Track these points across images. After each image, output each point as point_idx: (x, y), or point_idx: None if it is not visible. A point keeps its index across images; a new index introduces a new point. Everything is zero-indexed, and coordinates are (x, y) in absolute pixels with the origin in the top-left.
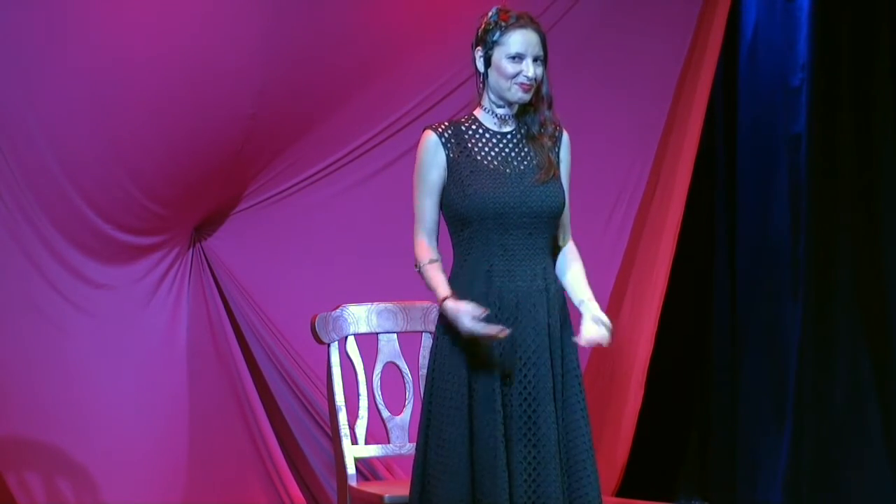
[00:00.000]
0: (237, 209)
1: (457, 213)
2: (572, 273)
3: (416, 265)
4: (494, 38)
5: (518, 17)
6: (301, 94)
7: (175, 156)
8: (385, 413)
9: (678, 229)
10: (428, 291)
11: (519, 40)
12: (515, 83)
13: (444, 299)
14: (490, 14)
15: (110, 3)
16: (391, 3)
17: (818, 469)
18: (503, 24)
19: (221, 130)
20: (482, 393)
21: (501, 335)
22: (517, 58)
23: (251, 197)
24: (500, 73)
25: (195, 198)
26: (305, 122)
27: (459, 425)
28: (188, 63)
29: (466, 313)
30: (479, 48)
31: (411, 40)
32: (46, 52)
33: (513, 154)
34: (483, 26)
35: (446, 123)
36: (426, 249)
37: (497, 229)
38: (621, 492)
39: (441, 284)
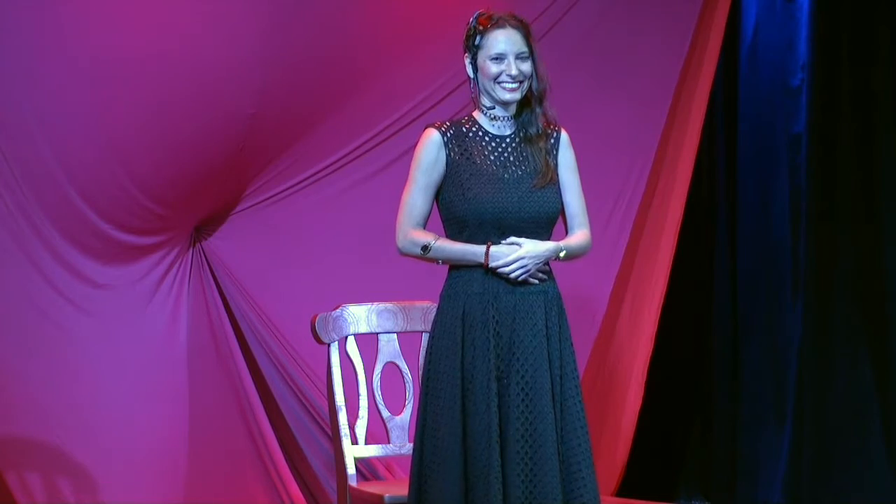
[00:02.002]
0: (237, 209)
1: (455, 216)
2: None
3: (423, 247)
4: (476, 42)
5: (497, 19)
6: (301, 94)
7: (175, 155)
8: (385, 413)
9: (678, 229)
10: (427, 291)
11: (499, 40)
12: (500, 83)
13: (488, 246)
14: (471, 20)
15: (110, 2)
16: (391, 4)
17: (818, 469)
18: (481, 27)
19: (221, 130)
20: (478, 393)
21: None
22: (499, 58)
23: (251, 197)
24: (485, 75)
25: (195, 198)
26: (305, 122)
27: (453, 425)
28: (188, 63)
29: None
30: (467, 54)
31: (411, 40)
32: (46, 52)
33: (511, 158)
34: (466, 33)
35: (448, 123)
36: (425, 233)
37: (495, 233)
38: (621, 492)
39: (467, 244)
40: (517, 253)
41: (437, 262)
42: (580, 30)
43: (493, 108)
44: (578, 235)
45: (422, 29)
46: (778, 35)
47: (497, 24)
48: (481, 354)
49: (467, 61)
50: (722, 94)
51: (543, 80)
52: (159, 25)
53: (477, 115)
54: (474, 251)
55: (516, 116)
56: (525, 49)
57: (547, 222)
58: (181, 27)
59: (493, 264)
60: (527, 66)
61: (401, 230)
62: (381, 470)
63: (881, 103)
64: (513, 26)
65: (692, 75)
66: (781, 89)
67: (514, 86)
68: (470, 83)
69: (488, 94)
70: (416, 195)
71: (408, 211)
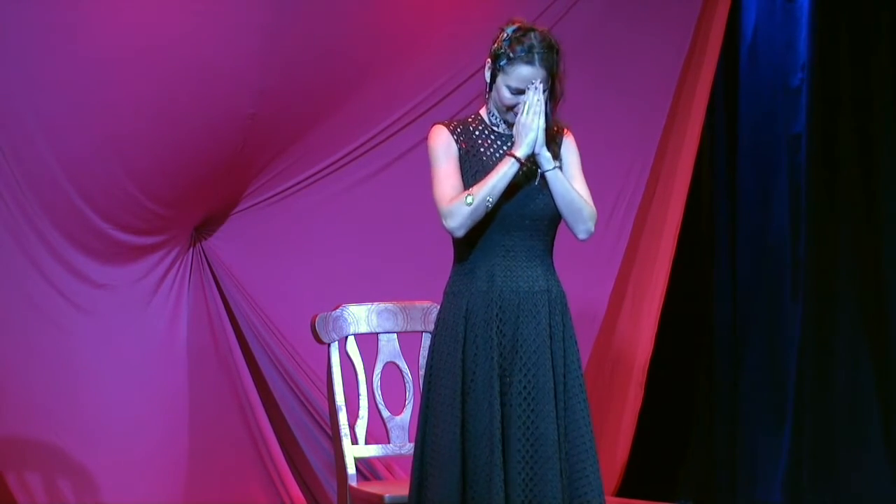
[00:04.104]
0: (237, 209)
1: None
2: None
3: (467, 203)
4: (501, 63)
5: (528, 50)
6: (301, 94)
7: (175, 155)
8: (385, 413)
9: (678, 229)
10: (428, 291)
11: (521, 76)
12: (512, 112)
13: (509, 154)
14: (504, 35)
15: (110, 3)
16: (391, 4)
17: (818, 469)
18: (511, 54)
19: (221, 130)
20: (479, 392)
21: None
22: (516, 91)
23: (251, 197)
24: (499, 98)
25: (195, 198)
26: (305, 122)
27: (452, 423)
28: (188, 63)
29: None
30: (490, 61)
31: (411, 41)
32: (47, 52)
33: None
34: (496, 44)
35: (455, 122)
36: (461, 194)
37: (499, 231)
38: (621, 492)
39: (497, 167)
40: (527, 104)
41: (488, 204)
42: (580, 30)
43: (499, 124)
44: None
45: (422, 29)
46: (778, 35)
47: (526, 59)
48: (484, 353)
49: (488, 66)
50: (722, 94)
51: (558, 96)
52: (159, 25)
53: (484, 113)
54: (503, 166)
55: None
56: (546, 83)
57: (550, 221)
58: (181, 27)
59: (520, 142)
60: (543, 99)
61: (441, 210)
62: (381, 470)
63: (881, 103)
64: (542, 64)
65: (692, 75)
66: (781, 89)
67: None
68: (485, 86)
69: (496, 107)
70: (446, 179)
71: (442, 195)
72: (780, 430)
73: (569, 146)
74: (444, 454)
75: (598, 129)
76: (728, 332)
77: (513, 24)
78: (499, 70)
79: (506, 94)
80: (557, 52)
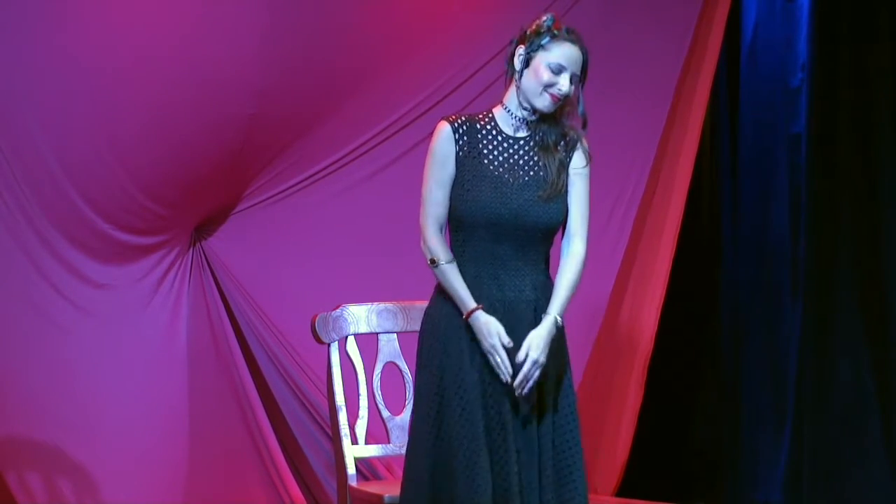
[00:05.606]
0: (237, 209)
1: (454, 214)
2: (556, 282)
3: (431, 260)
4: (542, 41)
5: (570, 31)
6: (301, 94)
7: (175, 155)
8: (385, 413)
9: (678, 229)
10: (428, 291)
11: (565, 53)
12: (547, 92)
13: (475, 311)
14: (545, 19)
15: (111, 3)
16: (391, 4)
17: (818, 469)
18: (556, 31)
19: (221, 130)
20: (463, 398)
21: (504, 372)
22: (557, 69)
23: (251, 197)
24: (536, 77)
25: (195, 198)
26: (305, 122)
27: (427, 422)
28: (188, 63)
29: (497, 335)
30: (523, 47)
31: (411, 41)
32: (47, 51)
33: (521, 162)
34: (534, 27)
35: (464, 118)
36: (443, 246)
37: (489, 238)
38: (621, 492)
39: (465, 291)
40: (526, 364)
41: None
42: (580, 29)
43: (522, 107)
44: (568, 270)
45: (421, 29)
46: (778, 35)
47: (570, 37)
48: (456, 357)
49: (520, 52)
50: (722, 94)
51: (586, 105)
52: (160, 26)
53: (497, 110)
54: (465, 304)
55: (536, 123)
56: (579, 73)
57: (545, 232)
58: (182, 28)
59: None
60: (571, 90)
61: (423, 230)
62: (382, 470)
63: (881, 103)
64: (581, 48)
65: (692, 75)
66: (781, 89)
67: (558, 99)
68: (509, 74)
69: (526, 93)
70: (435, 191)
71: (427, 209)
72: (780, 429)
73: (580, 153)
74: (417, 452)
75: (598, 128)
76: (728, 331)
77: (548, 14)
78: (539, 48)
79: (545, 72)
80: (587, 55)
